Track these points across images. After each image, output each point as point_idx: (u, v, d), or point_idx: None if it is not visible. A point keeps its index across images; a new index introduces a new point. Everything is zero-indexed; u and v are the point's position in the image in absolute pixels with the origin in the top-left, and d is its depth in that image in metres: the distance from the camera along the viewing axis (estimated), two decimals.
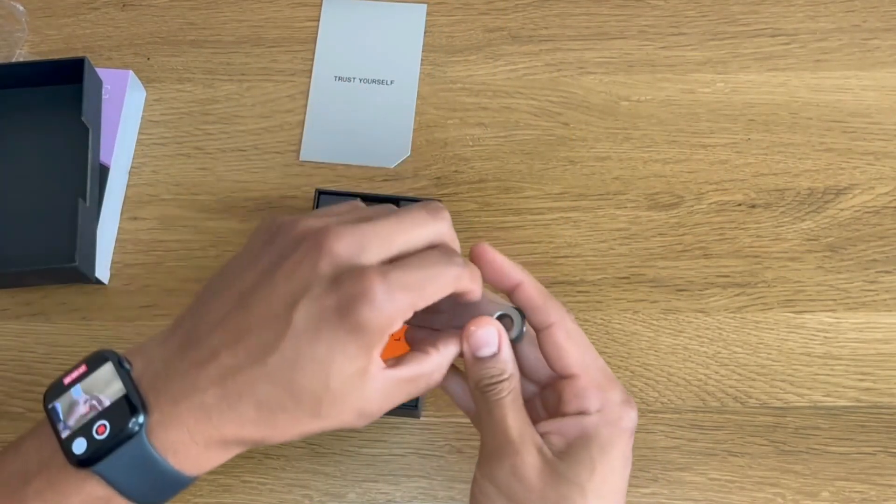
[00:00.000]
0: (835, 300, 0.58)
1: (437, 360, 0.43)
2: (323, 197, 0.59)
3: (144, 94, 0.66)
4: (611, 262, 0.60)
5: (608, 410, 0.43)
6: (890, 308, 0.58)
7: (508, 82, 0.65)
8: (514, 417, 0.43)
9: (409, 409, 0.55)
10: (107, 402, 0.39)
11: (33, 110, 0.63)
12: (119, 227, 0.62)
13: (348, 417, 0.41)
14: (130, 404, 0.39)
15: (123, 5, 0.69)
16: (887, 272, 0.59)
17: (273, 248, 0.41)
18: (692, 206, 0.61)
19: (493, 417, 0.43)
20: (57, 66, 0.61)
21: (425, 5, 0.68)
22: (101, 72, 0.63)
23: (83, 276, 0.57)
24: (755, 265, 0.59)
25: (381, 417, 0.56)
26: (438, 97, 0.65)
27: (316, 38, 0.67)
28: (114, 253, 0.61)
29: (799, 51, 0.65)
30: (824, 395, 0.56)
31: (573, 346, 0.43)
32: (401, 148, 0.63)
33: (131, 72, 0.64)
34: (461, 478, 0.55)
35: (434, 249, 0.41)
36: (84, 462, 0.38)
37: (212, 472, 0.55)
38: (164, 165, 0.64)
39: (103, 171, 0.61)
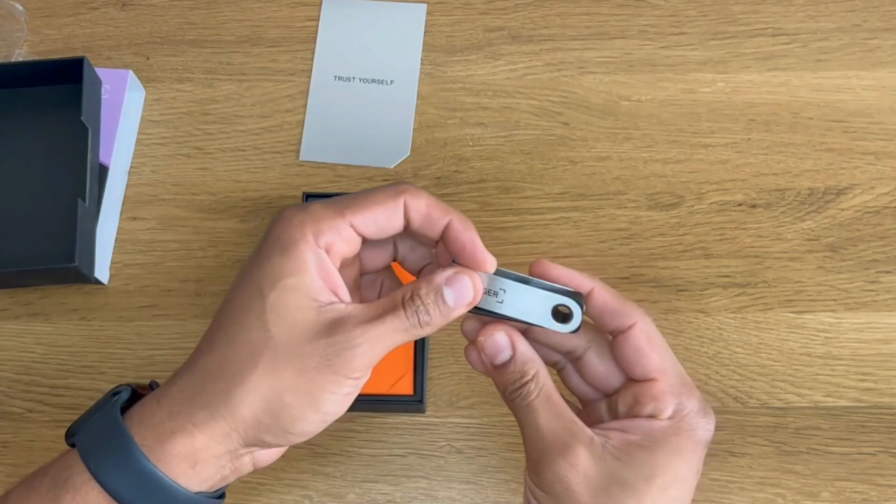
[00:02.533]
0: (835, 300, 0.58)
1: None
2: (310, 200, 0.58)
3: (144, 93, 0.66)
4: (611, 262, 0.59)
5: (682, 418, 0.41)
6: (890, 308, 0.58)
7: (508, 82, 0.65)
8: (548, 419, 0.40)
9: (414, 403, 0.55)
10: None
11: (32, 110, 0.63)
12: (118, 227, 0.62)
13: (290, 353, 0.39)
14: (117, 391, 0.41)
15: (123, 5, 0.69)
16: (888, 272, 0.59)
17: None
18: (692, 206, 0.61)
19: (527, 424, 0.41)
20: (56, 65, 0.61)
21: (425, 5, 0.67)
22: (100, 71, 0.62)
23: (82, 276, 0.57)
24: (756, 265, 0.59)
25: (382, 417, 0.57)
26: (438, 97, 0.65)
27: (316, 37, 0.67)
28: (113, 253, 0.61)
29: (799, 50, 0.65)
30: (825, 396, 0.56)
31: (653, 350, 0.42)
32: (401, 148, 0.63)
33: (131, 71, 0.64)
34: (461, 478, 0.55)
35: None
36: (69, 435, 0.41)
37: None
38: (163, 165, 0.64)
39: (103, 171, 0.61)
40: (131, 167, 0.64)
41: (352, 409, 0.56)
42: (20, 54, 0.67)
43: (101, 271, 0.60)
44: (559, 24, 0.66)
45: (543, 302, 0.41)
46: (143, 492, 0.38)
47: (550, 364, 0.45)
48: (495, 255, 0.45)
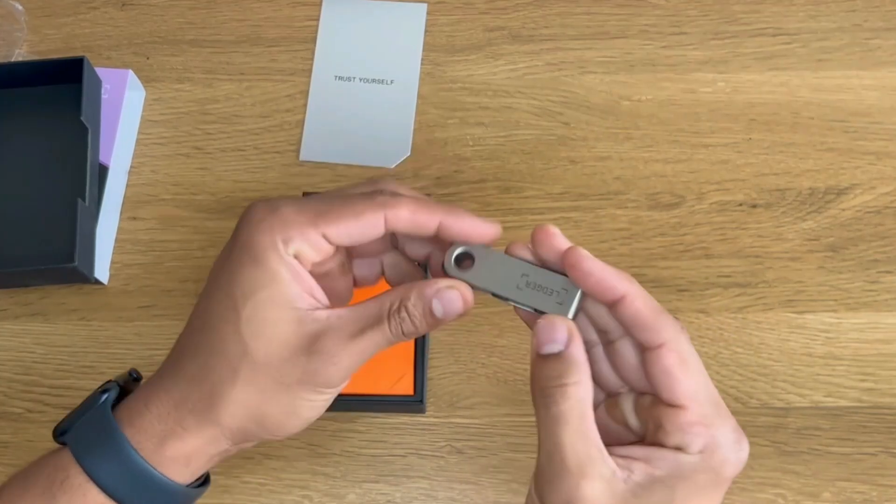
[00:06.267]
0: (836, 300, 0.58)
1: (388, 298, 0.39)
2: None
3: (144, 93, 0.66)
4: (612, 262, 0.58)
5: (712, 453, 0.37)
6: (891, 308, 0.58)
7: (509, 82, 0.65)
8: (575, 438, 0.36)
9: (415, 403, 0.55)
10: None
11: (32, 110, 0.62)
12: (118, 227, 0.62)
13: (272, 367, 0.39)
14: (107, 386, 0.41)
15: (123, 4, 0.68)
16: (888, 272, 0.59)
17: None
18: (693, 206, 0.61)
19: (550, 436, 0.37)
20: (56, 65, 0.61)
21: (425, 4, 0.67)
22: (100, 71, 0.62)
23: (82, 276, 0.57)
24: (756, 265, 0.59)
25: (382, 417, 0.56)
26: (438, 97, 0.65)
27: (316, 37, 0.67)
28: (113, 253, 0.61)
29: (800, 50, 0.64)
30: (825, 396, 0.56)
31: (685, 374, 0.38)
32: (401, 148, 0.63)
33: (130, 71, 0.64)
34: (461, 478, 0.55)
35: None
36: (58, 433, 0.41)
37: (212, 473, 0.55)
38: (163, 165, 0.64)
39: (102, 171, 0.61)
40: (131, 167, 0.64)
41: (352, 409, 0.56)
42: (20, 54, 0.67)
43: (101, 271, 0.60)
44: (559, 23, 0.66)
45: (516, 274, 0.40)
46: (140, 490, 0.39)
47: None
48: None
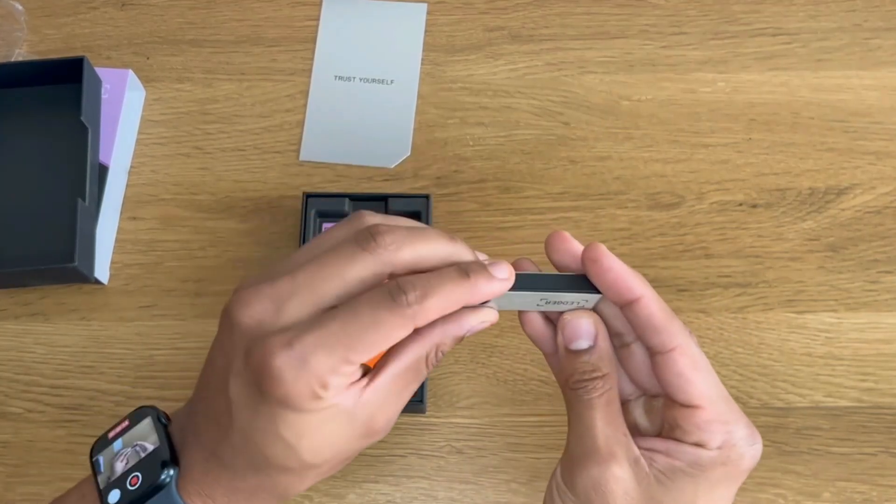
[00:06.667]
0: (836, 300, 0.58)
1: (417, 347, 0.38)
2: (311, 200, 0.59)
3: (144, 93, 0.66)
4: None
5: (730, 448, 0.39)
6: (891, 308, 0.58)
7: (509, 82, 0.65)
8: (604, 422, 0.38)
9: (415, 403, 0.55)
10: (142, 455, 0.39)
11: (32, 110, 0.62)
12: (118, 227, 0.62)
13: (336, 460, 0.38)
14: (163, 457, 0.38)
15: (122, 4, 0.69)
16: (888, 272, 0.59)
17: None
18: (693, 205, 0.61)
19: (582, 419, 0.39)
20: (56, 65, 0.61)
21: (425, 4, 0.67)
22: (100, 71, 0.62)
23: (82, 276, 0.57)
24: (756, 265, 0.59)
25: None
26: (438, 97, 0.65)
27: (316, 37, 0.67)
28: (113, 253, 0.61)
29: (800, 50, 0.64)
30: (826, 396, 0.56)
31: (698, 377, 0.39)
32: (401, 148, 0.63)
33: (130, 71, 0.64)
34: (461, 478, 0.55)
35: (374, 290, 0.36)
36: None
37: None
38: (163, 165, 0.64)
39: (102, 171, 0.61)
40: (131, 167, 0.64)
41: None
42: (20, 54, 0.67)
43: (101, 271, 0.60)
44: (559, 23, 0.66)
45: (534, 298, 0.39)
46: None
47: None
48: (493, 255, 0.44)
